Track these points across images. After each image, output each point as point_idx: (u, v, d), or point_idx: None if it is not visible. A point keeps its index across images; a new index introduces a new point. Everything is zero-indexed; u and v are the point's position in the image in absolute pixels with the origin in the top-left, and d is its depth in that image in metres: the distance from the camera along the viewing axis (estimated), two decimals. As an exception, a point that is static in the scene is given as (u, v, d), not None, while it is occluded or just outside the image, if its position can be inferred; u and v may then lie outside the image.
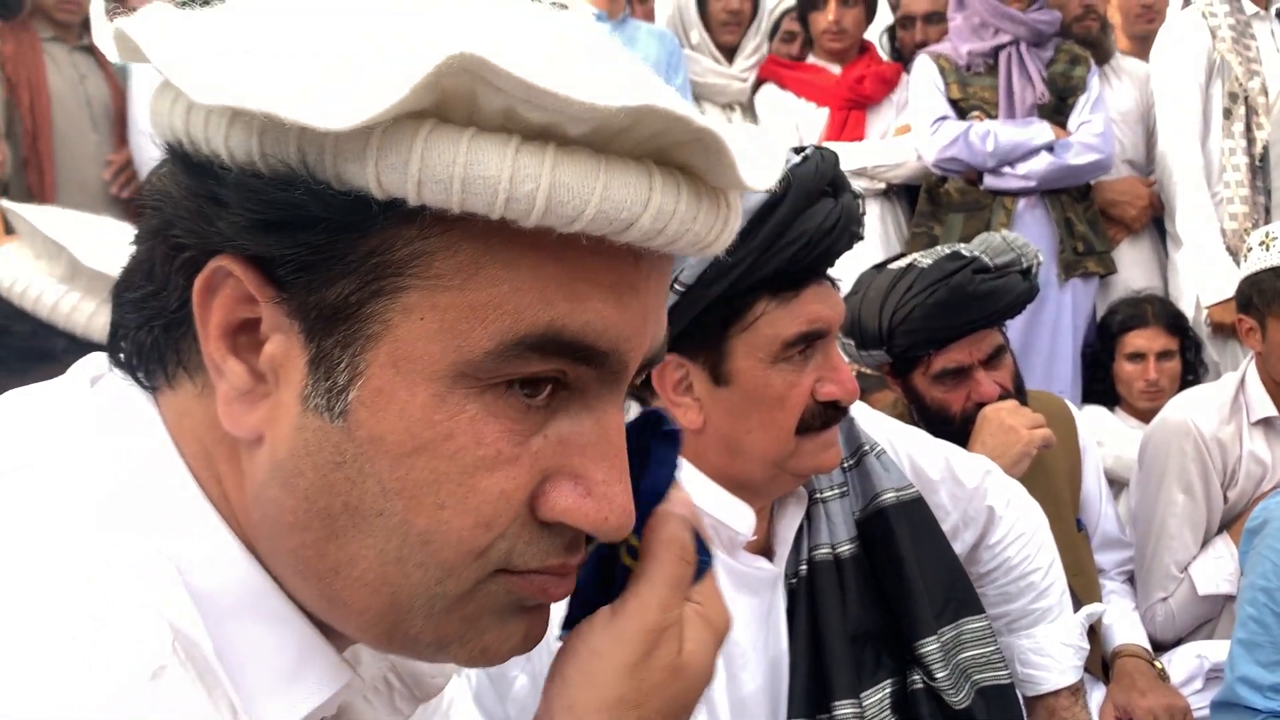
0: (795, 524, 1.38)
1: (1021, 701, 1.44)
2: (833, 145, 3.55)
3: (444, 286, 0.51)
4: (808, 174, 1.21)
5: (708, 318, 1.23)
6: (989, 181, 3.30)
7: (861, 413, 1.52)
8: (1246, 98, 3.30)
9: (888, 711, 1.34)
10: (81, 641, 0.48)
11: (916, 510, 1.43)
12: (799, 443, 1.26)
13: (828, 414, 1.27)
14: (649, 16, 3.92)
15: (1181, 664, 2.43)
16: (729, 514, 1.28)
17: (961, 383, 2.09)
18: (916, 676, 1.36)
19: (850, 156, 3.54)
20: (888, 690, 1.36)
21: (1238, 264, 3.20)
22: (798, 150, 1.26)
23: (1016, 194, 3.30)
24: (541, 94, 0.47)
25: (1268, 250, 2.39)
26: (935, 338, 2.01)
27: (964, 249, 2.03)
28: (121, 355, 0.58)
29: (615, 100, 0.47)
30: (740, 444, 1.26)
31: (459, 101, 0.48)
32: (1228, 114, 3.32)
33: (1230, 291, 3.16)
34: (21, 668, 0.46)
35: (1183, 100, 3.35)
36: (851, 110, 3.58)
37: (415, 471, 0.52)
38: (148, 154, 3.39)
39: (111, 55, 3.55)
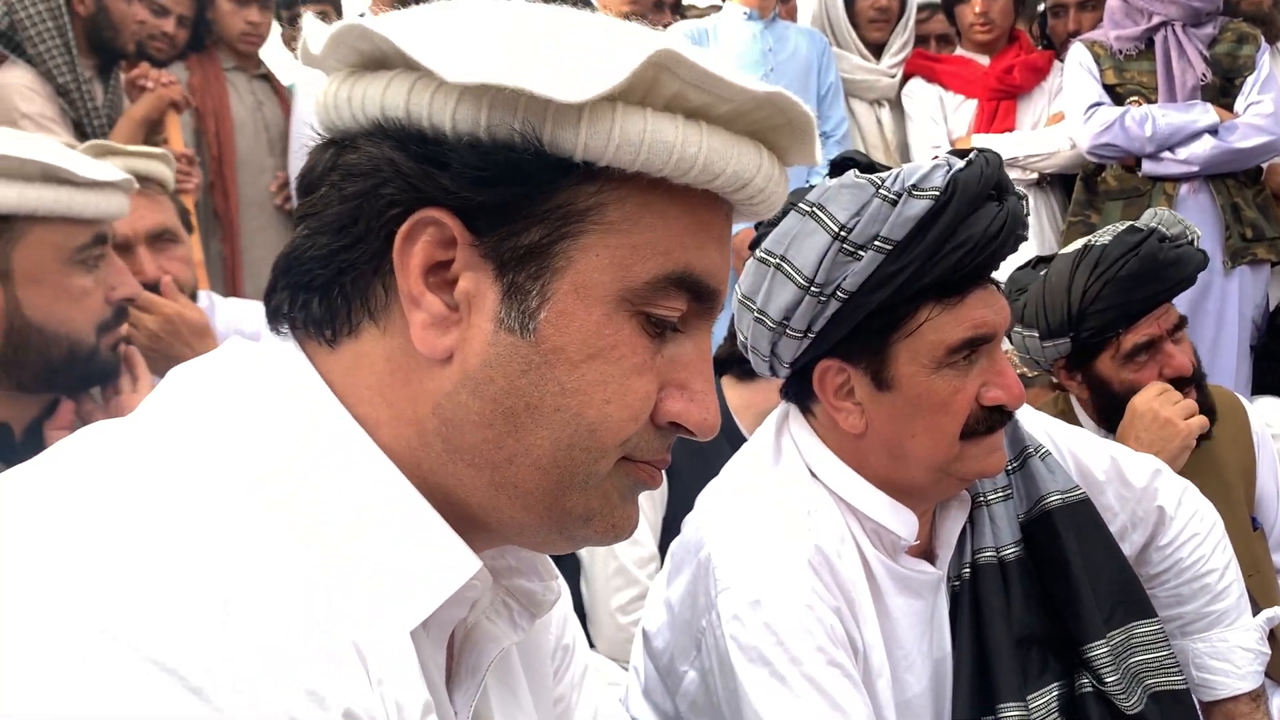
0: (958, 527, 1.37)
1: (1199, 708, 1.40)
2: (982, 137, 3.54)
3: (614, 230, 0.66)
4: (971, 178, 1.19)
5: (870, 323, 1.22)
6: (1148, 167, 3.19)
7: (1024, 414, 1.50)
8: None
9: (1055, 715, 1.33)
10: (244, 563, 0.57)
11: (1083, 512, 1.40)
12: (963, 447, 1.25)
13: (992, 418, 1.26)
14: (791, 16, 3.95)
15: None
16: (891, 519, 1.29)
17: (1152, 359, 2.06)
18: (1085, 680, 1.34)
19: (1000, 147, 3.48)
20: (1055, 694, 1.34)
21: None
22: (961, 154, 1.25)
23: (1178, 179, 3.18)
24: (716, 81, 0.64)
25: None
26: (1129, 312, 1.97)
27: (1138, 224, 2.00)
28: (289, 321, 0.70)
29: (753, 86, 0.65)
30: (903, 449, 1.26)
31: (640, 85, 0.63)
32: None
33: None
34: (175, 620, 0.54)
35: None
36: (1001, 101, 3.52)
37: (589, 374, 0.67)
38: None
39: (287, 70, 3.79)
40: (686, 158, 0.65)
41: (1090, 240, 2.02)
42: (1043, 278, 2.04)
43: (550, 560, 0.82)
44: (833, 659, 1.20)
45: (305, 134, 3.14)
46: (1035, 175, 3.46)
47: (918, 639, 1.33)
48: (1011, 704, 1.29)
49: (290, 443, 0.65)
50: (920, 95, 3.63)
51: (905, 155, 3.72)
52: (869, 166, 1.29)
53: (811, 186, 1.28)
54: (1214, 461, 2.32)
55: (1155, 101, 3.21)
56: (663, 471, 0.73)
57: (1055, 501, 1.39)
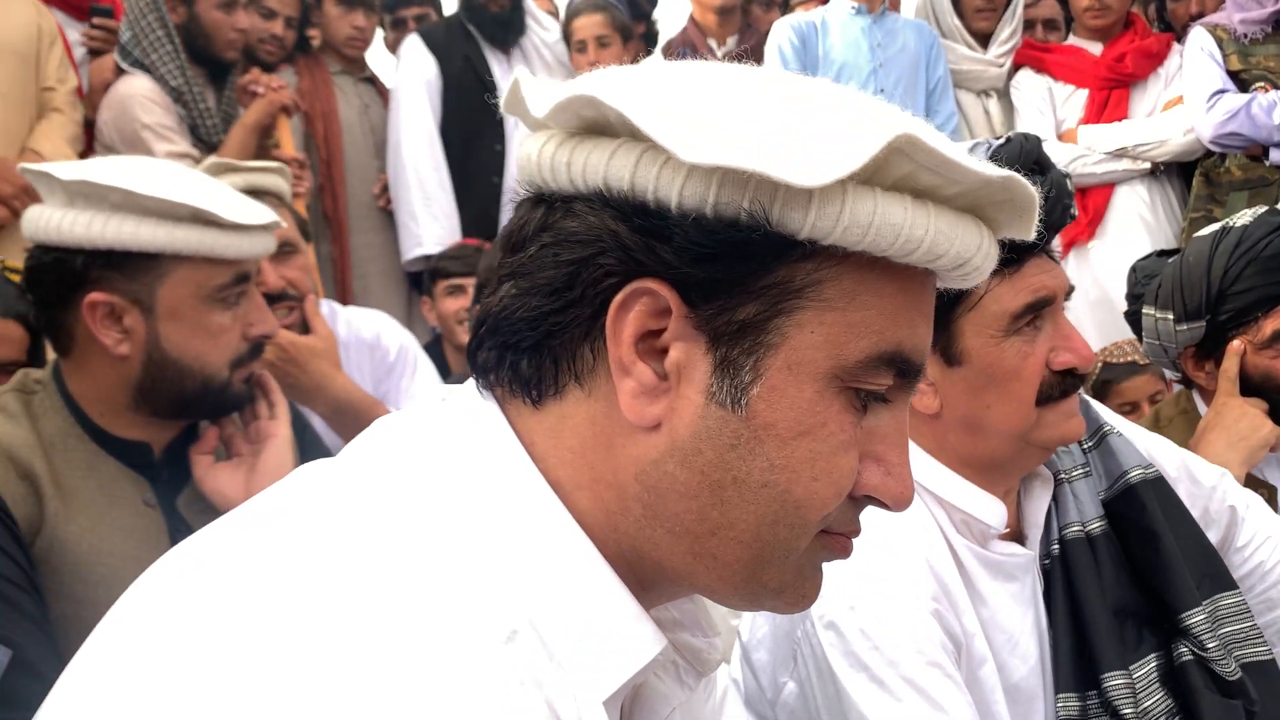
0: (1044, 506, 1.37)
1: None
2: (1089, 128, 3.45)
3: (830, 307, 0.66)
4: (1012, 153, 1.23)
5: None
6: (1276, 156, 3.07)
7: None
8: None
9: (1155, 684, 1.32)
10: (441, 616, 0.60)
11: (1162, 488, 1.40)
12: (1040, 414, 1.26)
13: (1065, 382, 1.27)
14: (895, 6, 3.89)
15: None
16: (978, 508, 1.30)
17: None
18: (1184, 649, 1.33)
19: (1109, 137, 3.39)
20: (1154, 664, 1.33)
21: None
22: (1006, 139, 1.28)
23: (1308, 168, 3.05)
24: (952, 166, 0.64)
25: None
26: (1271, 294, 1.92)
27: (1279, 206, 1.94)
28: (491, 380, 0.72)
29: (988, 171, 0.65)
30: (980, 421, 1.27)
31: (871, 165, 0.62)
32: None
33: None
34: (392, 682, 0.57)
35: None
36: (1113, 90, 3.41)
37: (798, 451, 0.67)
38: (399, 173, 3.65)
39: (389, 73, 3.86)
40: (913, 239, 0.65)
41: (1229, 221, 1.96)
42: (1178, 260, 1.99)
43: (711, 615, 0.82)
44: (931, 659, 1.21)
45: (405, 140, 3.20)
46: (1147, 165, 3.35)
47: (1020, 620, 1.33)
48: (1116, 672, 1.29)
49: (487, 511, 0.67)
50: (1028, 86, 3.55)
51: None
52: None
53: None
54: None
55: (1281, 88, 3.08)
56: (851, 537, 0.74)
57: (1137, 475, 1.39)
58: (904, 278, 0.68)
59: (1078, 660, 1.32)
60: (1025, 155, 1.24)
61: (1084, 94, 3.46)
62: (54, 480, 1.45)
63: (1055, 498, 1.40)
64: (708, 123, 0.63)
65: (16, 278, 2.19)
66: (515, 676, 0.60)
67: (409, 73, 3.73)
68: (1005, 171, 0.66)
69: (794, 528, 0.68)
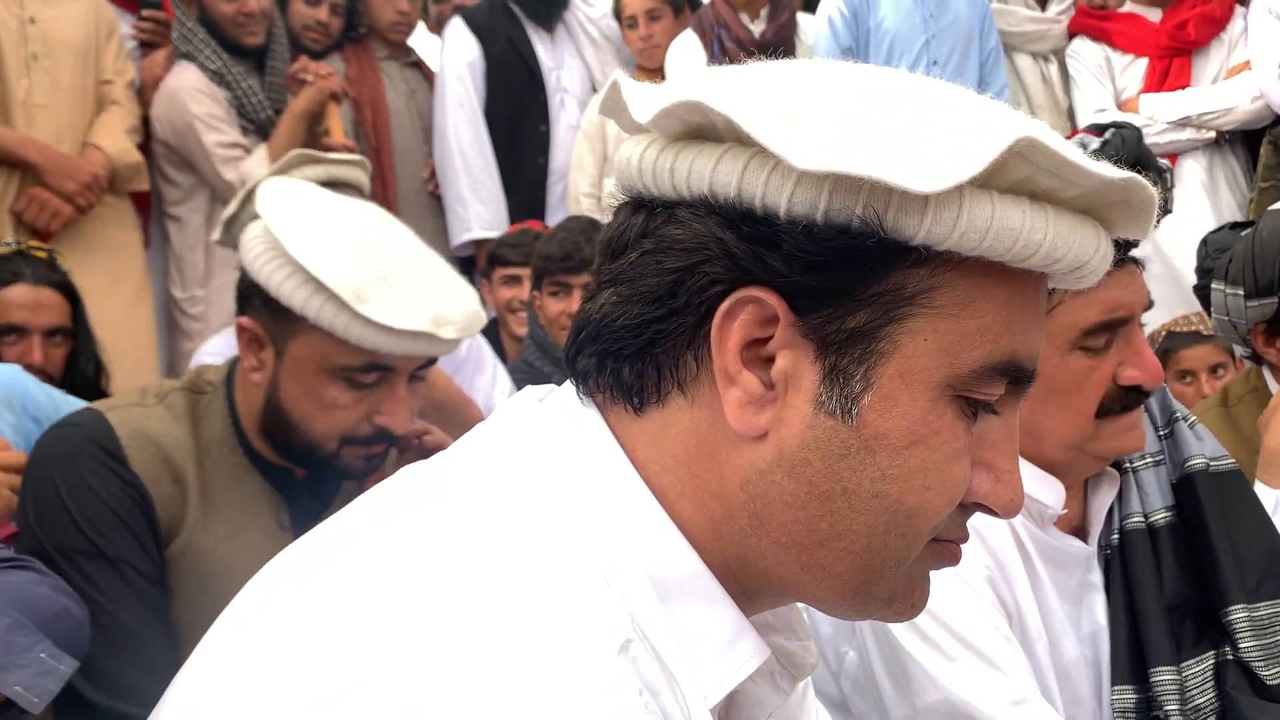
0: (1107, 503, 1.36)
1: None
2: (1150, 97, 3.37)
3: (944, 315, 0.64)
4: (1110, 156, 1.14)
5: None
6: (1347, 122, 2.99)
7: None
8: None
9: (1210, 682, 1.31)
10: (558, 623, 0.59)
11: (1232, 481, 1.37)
12: (1099, 426, 1.24)
13: (1129, 398, 1.24)
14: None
15: None
16: (1038, 488, 1.28)
17: None
18: (1226, 647, 1.32)
19: (1172, 107, 3.31)
20: (1211, 662, 1.32)
21: None
22: (1100, 129, 1.22)
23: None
24: (1073, 169, 0.61)
25: None
26: None
27: None
28: (591, 386, 0.71)
29: (1110, 173, 0.62)
30: (1037, 428, 1.25)
31: (988, 169, 0.60)
32: None
33: None
34: (513, 650, 0.57)
35: None
36: (1174, 58, 3.33)
37: (911, 461, 0.65)
38: (445, 157, 3.65)
39: (433, 57, 3.85)
40: (1031, 244, 0.63)
41: None
42: (1251, 233, 1.93)
43: (804, 618, 0.81)
44: (986, 620, 1.21)
45: (450, 123, 3.15)
46: (1212, 134, 3.27)
47: (1069, 612, 1.33)
48: (1164, 668, 1.28)
49: (592, 519, 0.66)
50: (1085, 55, 3.47)
51: (1072, 118, 3.55)
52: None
53: None
54: None
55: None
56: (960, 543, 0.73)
57: (1198, 464, 1.37)
58: (1018, 283, 0.66)
59: (1132, 654, 1.31)
60: (1123, 158, 1.18)
61: (1143, 62, 3.38)
62: (201, 487, 1.48)
63: (1122, 488, 1.37)
64: (818, 126, 0.61)
65: (42, 254, 2.26)
66: (634, 684, 0.59)
67: (452, 55, 3.72)
68: (1126, 173, 0.63)
69: (905, 537, 0.67)
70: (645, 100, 0.68)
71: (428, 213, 3.69)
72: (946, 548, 0.71)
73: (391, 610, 0.59)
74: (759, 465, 0.66)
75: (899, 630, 1.21)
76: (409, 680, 0.56)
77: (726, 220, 0.64)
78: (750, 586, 0.70)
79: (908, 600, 0.71)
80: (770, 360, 0.66)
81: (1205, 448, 1.39)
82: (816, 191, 0.62)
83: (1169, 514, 1.36)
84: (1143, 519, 1.36)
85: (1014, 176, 0.62)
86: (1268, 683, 1.30)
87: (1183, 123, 3.31)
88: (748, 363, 0.66)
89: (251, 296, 1.48)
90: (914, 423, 0.65)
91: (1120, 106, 3.46)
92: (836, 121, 0.62)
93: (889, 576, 0.68)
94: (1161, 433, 1.40)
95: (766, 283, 0.64)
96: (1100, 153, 1.17)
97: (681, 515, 0.68)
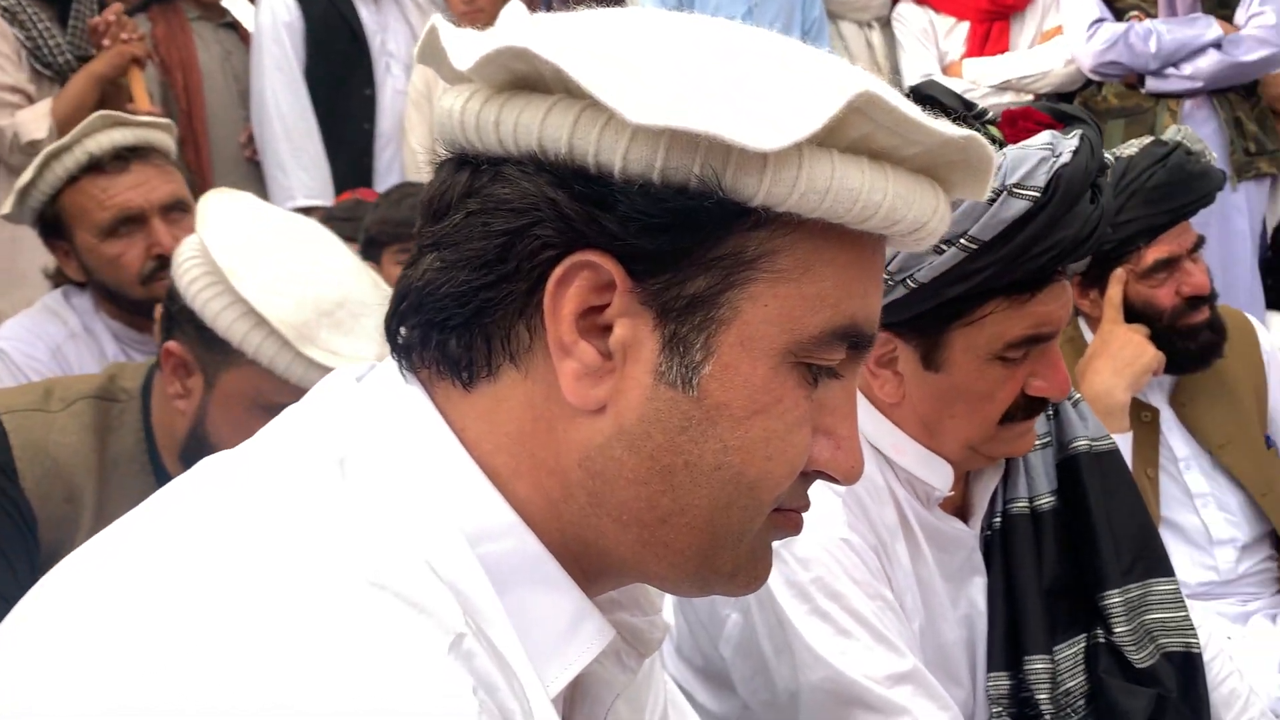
0: (991, 487, 1.36)
1: (1207, 675, 1.37)
2: (974, 61, 3.47)
3: (785, 280, 0.62)
4: (1075, 175, 1.13)
5: (932, 309, 1.20)
6: (1152, 84, 3.15)
7: None
8: None
9: (1080, 665, 1.33)
10: (377, 624, 0.54)
11: (1111, 462, 1.40)
12: (998, 431, 1.25)
13: (1032, 406, 1.25)
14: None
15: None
16: (925, 470, 1.28)
17: (1171, 277, 2.09)
18: (1099, 630, 1.34)
19: (992, 70, 3.43)
20: (1082, 645, 1.34)
21: None
22: (1062, 117, 1.18)
23: (1181, 95, 3.14)
24: (913, 125, 0.60)
25: None
26: (1153, 225, 1.98)
27: (1163, 137, 1.98)
28: (415, 361, 0.66)
29: (949, 130, 0.61)
30: (939, 426, 1.26)
31: (828, 126, 0.58)
32: None
33: None
34: (327, 645, 0.53)
35: None
36: (994, 22, 3.45)
37: (753, 431, 0.64)
38: (264, 123, 3.47)
39: (249, 17, 3.65)
40: (871, 204, 0.61)
41: (1116, 151, 1.99)
42: None
43: (652, 592, 0.78)
44: (874, 591, 1.20)
45: (268, 86, 3.04)
46: (1031, 98, 3.39)
47: (949, 593, 1.33)
48: (1038, 656, 1.30)
49: (417, 506, 0.61)
50: (910, 19, 3.55)
51: (897, 82, 3.63)
52: (940, 104, 1.21)
53: None
54: (1225, 382, 2.33)
55: (1156, 16, 3.15)
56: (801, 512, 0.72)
57: (1082, 446, 1.38)
58: (858, 246, 0.64)
59: (1008, 639, 1.32)
60: (1088, 173, 1.15)
61: (965, 26, 3.48)
62: (99, 506, 1.38)
63: (1006, 471, 1.38)
64: (653, 79, 0.58)
65: None
66: (468, 683, 0.55)
67: (268, 16, 3.54)
68: (965, 131, 0.62)
69: (748, 509, 0.66)
70: (466, 47, 0.63)
71: (246, 180, 3.52)
72: (788, 517, 0.70)
73: (165, 623, 0.53)
74: (597, 440, 0.64)
75: (786, 601, 1.18)
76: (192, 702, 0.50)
77: (558, 179, 0.61)
78: (591, 567, 0.68)
79: (750, 573, 0.70)
80: (608, 329, 0.63)
81: (1088, 428, 1.40)
82: (652, 149, 0.59)
83: (1053, 498, 1.37)
84: (1027, 503, 1.36)
85: (853, 134, 0.60)
86: (1137, 666, 1.32)
87: (1003, 86, 3.42)
88: (584, 332, 0.63)
89: (183, 321, 1.37)
90: (755, 391, 0.63)
91: (944, 71, 3.56)
92: (673, 74, 0.59)
93: (732, 550, 0.67)
94: (1049, 414, 1.40)
95: (602, 246, 0.61)
96: (1068, 167, 1.12)
97: (517, 496, 0.65)
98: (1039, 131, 1.17)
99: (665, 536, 0.65)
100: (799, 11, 3.48)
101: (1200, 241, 2.11)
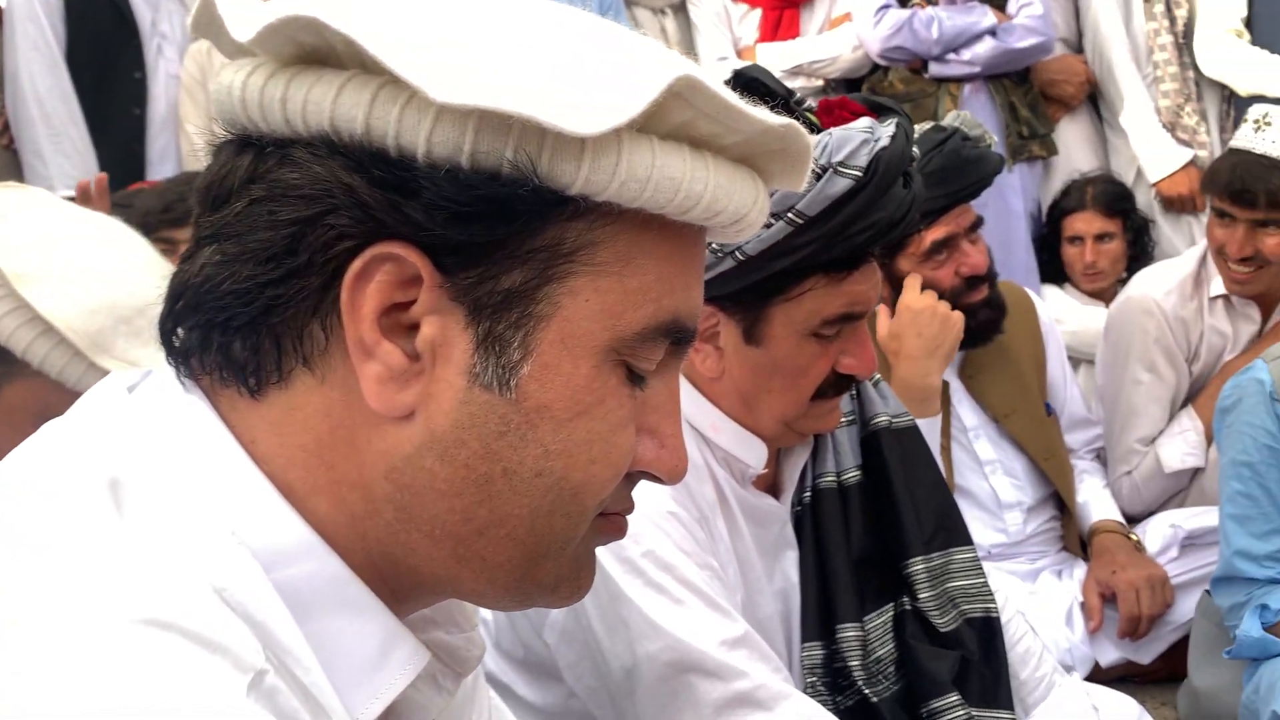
0: (801, 463, 1.40)
1: (1004, 635, 1.44)
2: (766, 46, 3.53)
3: (606, 273, 0.59)
4: (894, 157, 1.18)
5: (755, 284, 1.23)
6: (934, 69, 3.28)
7: None
8: None
9: (890, 633, 1.38)
10: (172, 655, 0.49)
11: (911, 438, 1.46)
12: (810, 407, 1.29)
13: (841, 383, 1.30)
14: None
15: (1156, 534, 2.51)
16: (741, 448, 1.31)
17: (950, 257, 2.17)
18: (906, 598, 1.39)
19: (784, 55, 3.49)
20: (890, 613, 1.39)
21: (1176, 140, 3.26)
22: (876, 108, 1.23)
23: (961, 80, 3.28)
24: (734, 113, 0.57)
25: (1257, 131, 2.38)
26: (931, 208, 2.02)
27: (941, 123, 2.04)
28: (195, 367, 0.60)
29: (770, 119, 0.58)
30: (756, 400, 1.29)
31: (648, 111, 0.54)
32: None
33: (1175, 165, 3.21)
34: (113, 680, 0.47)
35: None
36: (785, 9, 3.51)
37: (576, 433, 0.60)
38: (19, 106, 3.24)
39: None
40: (693, 194, 0.58)
41: None
42: None
43: (469, 606, 0.72)
44: (703, 561, 1.22)
45: (23, 67, 2.82)
46: (820, 82, 3.48)
47: (765, 567, 1.36)
48: (849, 624, 1.34)
49: (203, 531, 0.55)
50: (705, 3, 3.58)
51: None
52: (766, 88, 1.24)
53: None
54: (1008, 354, 2.44)
55: (937, 3, 3.28)
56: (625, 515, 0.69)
57: (882, 422, 1.44)
58: (679, 237, 0.61)
59: (820, 609, 1.36)
60: (904, 157, 1.20)
61: (758, 13, 3.53)
62: None
63: (815, 448, 1.42)
64: (459, 54, 0.54)
65: None
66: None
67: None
68: (785, 119, 0.60)
69: (571, 516, 0.62)
70: (247, 16, 0.56)
71: (3, 169, 3.23)
72: (612, 521, 0.67)
73: None
74: (405, 450, 0.58)
75: (618, 575, 1.17)
76: None
77: (354, 162, 0.55)
78: (402, 586, 0.63)
79: (574, 583, 0.66)
80: (414, 327, 0.58)
81: (888, 406, 1.46)
82: (460, 130, 0.54)
83: (858, 473, 1.42)
84: (835, 478, 1.41)
85: (674, 120, 0.57)
86: (941, 631, 1.37)
87: (795, 71, 3.50)
88: (387, 331, 0.57)
89: None
90: (577, 391, 0.59)
91: (738, 55, 3.60)
92: (482, 51, 0.55)
93: (555, 560, 0.63)
94: (852, 394, 1.45)
95: (406, 237, 0.56)
96: (888, 149, 1.17)
97: (316, 514, 0.59)
98: (854, 120, 1.22)
99: (482, 550, 0.61)
100: (594, -8, 3.45)
101: (978, 222, 2.20)
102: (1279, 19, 3.30)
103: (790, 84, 3.43)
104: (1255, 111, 2.43)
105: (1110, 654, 2.43)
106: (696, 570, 1.20)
